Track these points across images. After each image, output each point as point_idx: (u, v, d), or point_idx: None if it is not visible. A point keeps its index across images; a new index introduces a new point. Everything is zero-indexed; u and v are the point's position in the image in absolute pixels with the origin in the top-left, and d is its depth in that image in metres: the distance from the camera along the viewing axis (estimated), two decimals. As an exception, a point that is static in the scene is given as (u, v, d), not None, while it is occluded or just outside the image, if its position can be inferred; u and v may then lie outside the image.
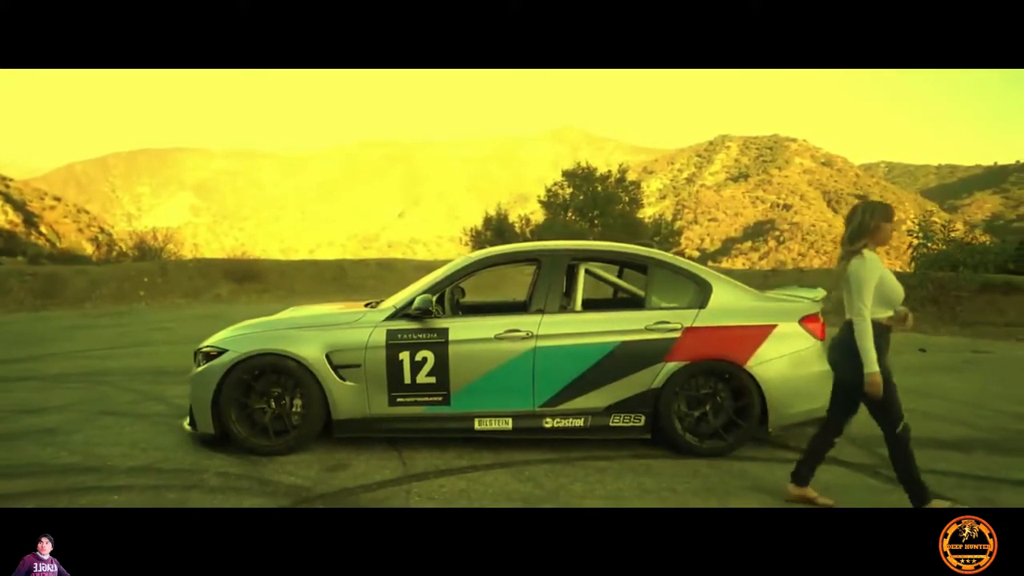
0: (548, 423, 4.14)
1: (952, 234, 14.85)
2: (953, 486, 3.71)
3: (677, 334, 4.15)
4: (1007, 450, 4.49)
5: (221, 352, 4.16)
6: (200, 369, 4.19)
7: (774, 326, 4.23)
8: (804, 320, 4.30)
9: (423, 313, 4.13)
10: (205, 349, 4.27)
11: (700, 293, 4.30)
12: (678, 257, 4.77)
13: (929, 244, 14.61)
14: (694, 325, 4.17)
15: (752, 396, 4.13)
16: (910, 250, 14.89)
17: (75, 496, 3.42)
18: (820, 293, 4.55)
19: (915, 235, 14.73)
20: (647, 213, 35.45)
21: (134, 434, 4.58)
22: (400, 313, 4.19)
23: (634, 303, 4.50)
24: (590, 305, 4.57)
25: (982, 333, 11.51)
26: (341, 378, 4.09)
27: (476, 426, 4.14)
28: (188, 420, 4.34)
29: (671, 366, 4.11)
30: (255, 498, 3.41)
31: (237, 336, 4.30)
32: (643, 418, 4.15)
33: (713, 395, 4.18)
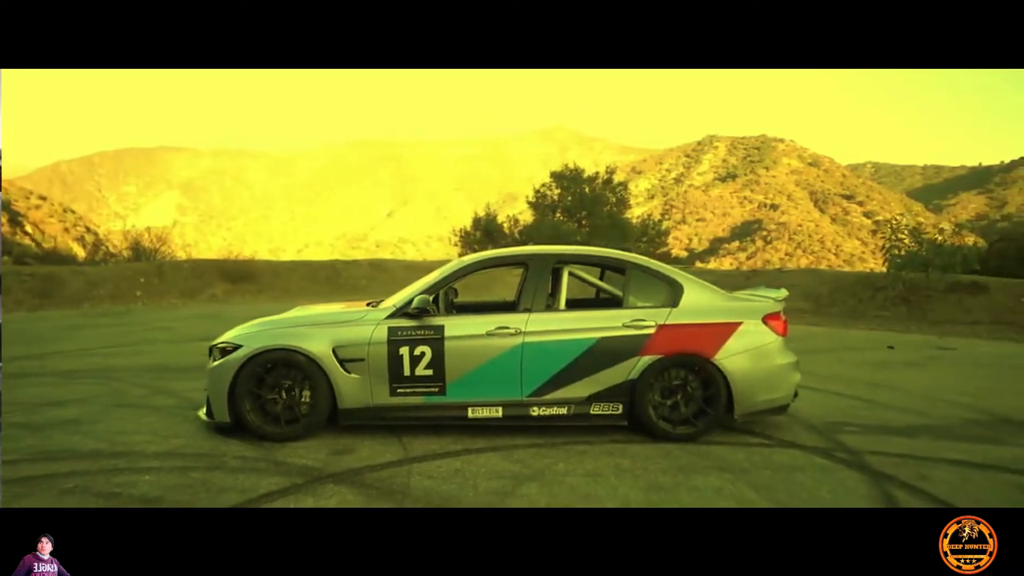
0: (535, 411, 4.56)
1: (923, 236, 15.43)
2: (894, 465, 4.16)
3: (652, 330, 4.58)
4: (950, 435, 4.95)
5: (236, 348, 4.54)
6: (216, 363, 4.57)
7: (739, 323, 4.66)
8: (767, 318, 4.74)
9: (421, 312, 4.53)
10: (220, 345, 4.65)
11: (672, 293, 4.73)
12: (653, 260, 5.20)
13: (899, 244, 15.19)
14: (667, 323, 4.61)
15: (719, 386, 4.55)
16: (882, 251, 15.51)
17: (110, 476, 3.80)
18: (782, 293, 5.00)
19: (886, 237, 15.35)
20: (635, 213, 35.90)
21: (152, 424, 4.95)
22: (400, 312, 4.58)
23: (613, 302, 4.91)
24: (573, 304, 5.00)
25: (950, 331, 12.06)
26: (346, 371, 4.48)
27: (469, 414, 4.55)
28: (205, 410, 4.72)
29: (646, 359, 4.54)
30: (272, 477, 3.80)
31: (250, 333, 4.69)
32: (621, 407, 4.58)
33: (684, 386, 4.60)
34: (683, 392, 4.61)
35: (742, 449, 4.47)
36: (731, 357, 4.56)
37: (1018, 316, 12.94)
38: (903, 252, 15.17)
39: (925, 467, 4.15)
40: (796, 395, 4.87)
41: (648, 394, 4.56)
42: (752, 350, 4.63)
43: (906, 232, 15.63)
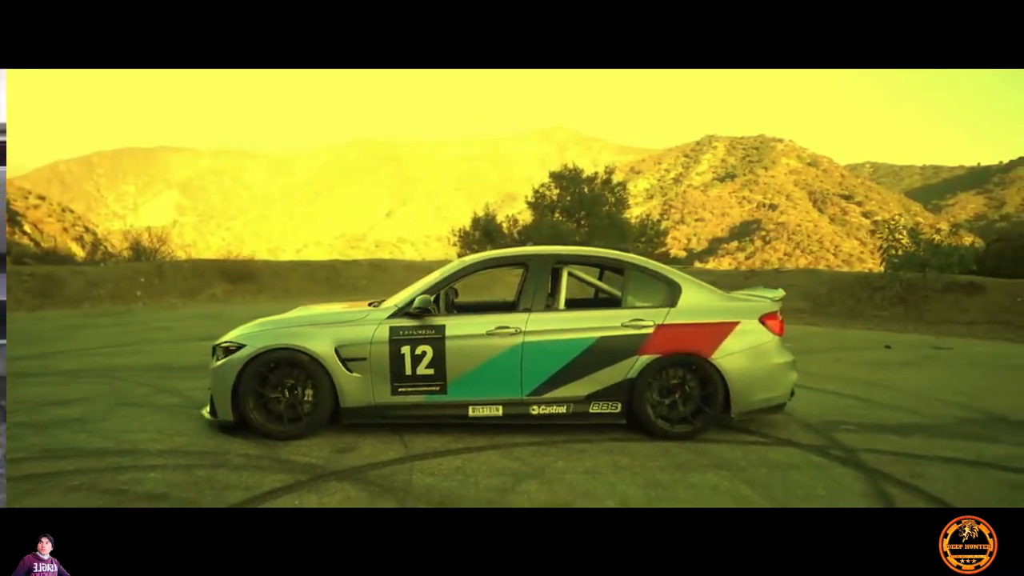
0: (535, 410, 4.61)
1: (920, 236, 15.51)
2: (889, 462, 4.22)
3: (650, 330, 4.63)
4: (944, 434, 5.01)
5: (239, 347, 4.59)
6: (220, 363, 4.62)
7: (737, 323, 4.72)
8: (764, 318, 4.80)
9: (422, 311, 4.58)
10: (224, 344, 4.71)
11: (671, 293, 4.78)
12: (652, 260, 5.26)
13: (897, 245, 15.27)
14: (665, 322, 4.66)
15: (717, 385, 4.61)
16: (880, 252, 15.61)
17: (116, 474, 3.85)
18: (779, 293, 5.06)
19: (883, 237, 15.45)
20: (634, 213, 36.03)
21: (156, 422, 5.00)
22: (401, 312, 4.64)
23: (612, 302, 4.97)
24: (572, 304, 5.05)
25: (946, 331, 12.13)
26: (348, 370, 4.53)
27: (470, 413, 4.60)
28: (208, 409, 4.76)
29: (644, 359, 4.59)
30: (276, 475, 3.85)
31: (253, 332, 4.74)
32: (619, 405, 4.63)
33: (682, 384, 4.65)
34: (681, 391, 4.66)
35: (739, 447, 4.52)
36: (728, 356, 4.62)
37: (1014, 316, 13.02)
38: (900, 252, 15.25)
39: (920, 465, 4.21)
40: (793, 394, 4.92)
41: (646, 393, 4.61)
42: (749, 349, 4.68)
43: (904, 232, 15.71)
